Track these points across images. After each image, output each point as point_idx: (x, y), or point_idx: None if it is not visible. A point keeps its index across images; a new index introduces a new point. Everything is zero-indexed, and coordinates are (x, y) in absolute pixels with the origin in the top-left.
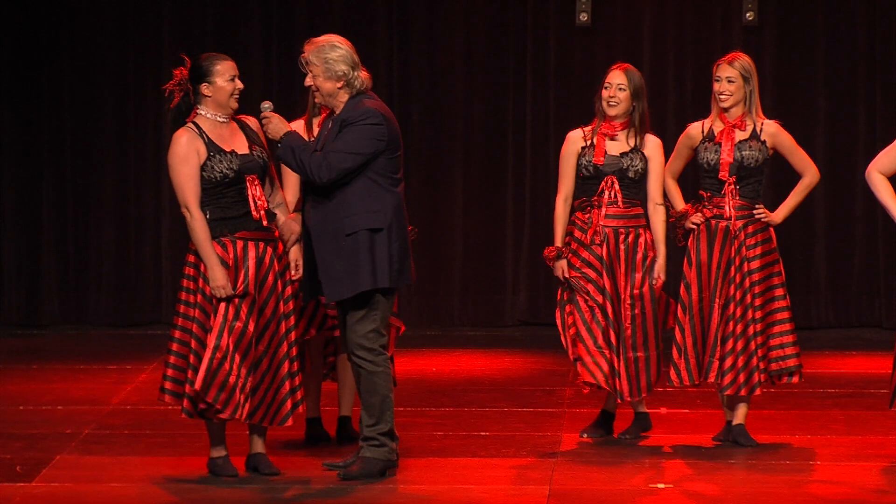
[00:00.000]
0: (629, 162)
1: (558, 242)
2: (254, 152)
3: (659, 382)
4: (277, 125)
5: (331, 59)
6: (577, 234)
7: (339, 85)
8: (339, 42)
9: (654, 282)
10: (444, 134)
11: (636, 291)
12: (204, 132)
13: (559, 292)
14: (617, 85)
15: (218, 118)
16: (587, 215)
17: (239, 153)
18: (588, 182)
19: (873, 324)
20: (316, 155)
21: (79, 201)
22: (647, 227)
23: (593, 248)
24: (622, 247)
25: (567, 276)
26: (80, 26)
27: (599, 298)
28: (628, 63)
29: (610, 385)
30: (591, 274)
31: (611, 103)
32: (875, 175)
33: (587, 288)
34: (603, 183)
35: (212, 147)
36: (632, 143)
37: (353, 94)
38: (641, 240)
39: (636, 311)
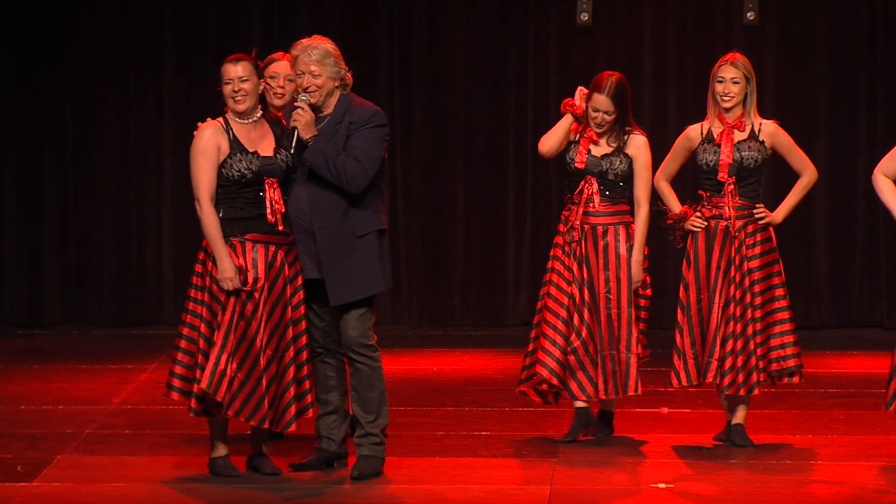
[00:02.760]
0: (609, 164)
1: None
2: (278, 155)
3: (640, 388)
4: (309, 123)
5: (333, 59)
6: (562, 228)
7: (336, 84)
8: (329, 41)
9: (632, 286)
10: (446, 134)
11: (611, 288)
12: (231, 129)
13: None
14: (603, 113)
15: (236, 118)
16: (568, 213)
17: (261, 155)
18: (573, 177)
19: (874, 324)
20: (350, 162)
21: (80, 201)
22: (629, 224)
23: (573, 247)
24: (601, 244)
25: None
26: (82, 27)
27: (564, 300)
28: (613, 71)
29: (565, 386)
30: (566, 274)
31: (598, 123)
32: (881, 178)
33: (563, 289)
34: (583, 182)
35: (235, 145)
36: (613, 144)
37: (344, 92)
38: (622, 237)
39: (612, 310)
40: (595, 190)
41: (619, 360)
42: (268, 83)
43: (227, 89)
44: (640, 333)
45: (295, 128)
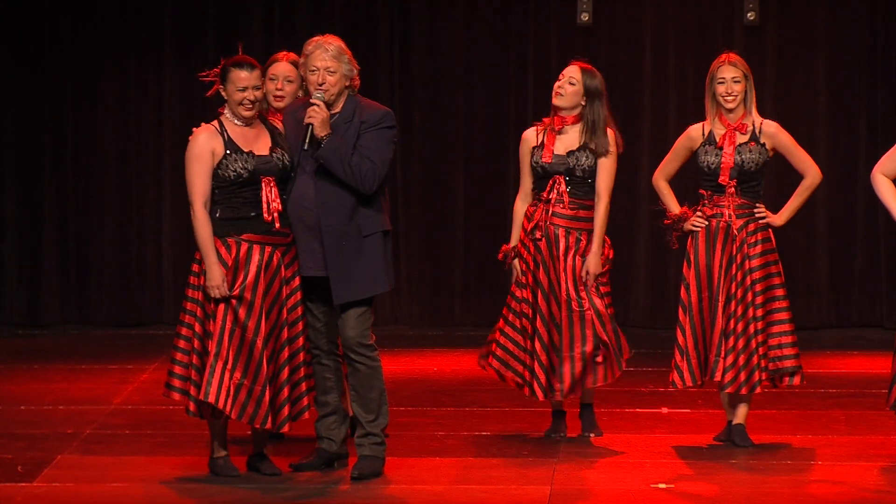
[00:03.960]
0: (575, 161)
1: (513, 241)
2: (274, 154)
3: (607, 382)
4: (325, 121)
5: (346, 58)
6: (526, 224)
7: (347, 84)
8: (342, 41)
9: (584, 276)
10: (446, 134)
11: (571, 293)
12: (226, 130)
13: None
14: (568, 78)
15: (235, 121)
16: (534, 209)
17: (257, 154)
18: (541, 180)
19: (874, 324)
20: (364, 163)
21: (80, 201)
22: (591, 232)
23: (538, 244)
24: (561, 247)
25: (518, 276)
26: (81, 27)
27: (529, 298)
28: (586, 62)
29: (530, 388)
30: (524, 267)
31: (558, 92)
32: (879, 177)
33: (521, 281)
34: (551, 181)
35: (230, 146)
36: (582, 140)
37: (351, 93)
38: (582, 244)
39: (573, 310)
40: (564, 189)
41: (577, 359)
42: (265, 85)
43: (240, 96)
44: (607, 310)
45: (309, 124)
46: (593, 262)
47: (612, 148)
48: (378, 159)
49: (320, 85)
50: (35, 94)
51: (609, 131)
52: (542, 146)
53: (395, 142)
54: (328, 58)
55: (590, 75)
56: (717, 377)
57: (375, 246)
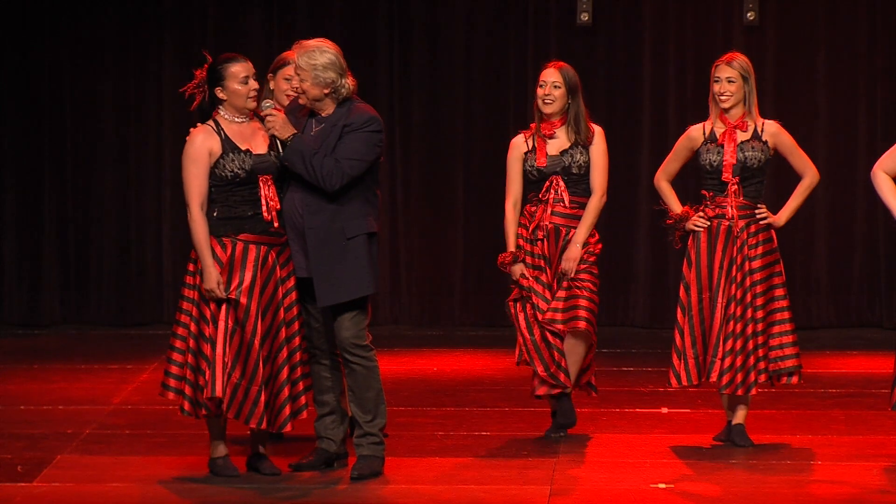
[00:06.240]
0: (570, 159)
1: (511, 247)
2: (272, 152)
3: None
4: (285, 124)
5: (319, 65)
6: (521, 228)
7: (325, 91)
8: (329, 47)
9: (564, 269)
10: (445, 133)
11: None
12: (222, 129)
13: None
14: (552, 83)
15: (235, 119)
16: (534, 208)
17: (254, 153)
18: (535, 184)
19: (874, 323)
20: (327, 160)
21: (80, 201)
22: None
23: (535, 244)
24: (561, 244)
25: (524, 277)
26: (80, 27)
27: (548, 296)
28: (558, 61)
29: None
30: (536, 273)
31: (546, 101)
32: (880, 175)
33: (535, 289)
34: (547, 182)
35: (227, 145)
36: (571, 138)
37: (339, 100)
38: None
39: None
40: (563, 188)
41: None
42: (279, 84)
43: (245, 88)
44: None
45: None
46: (572, 257)
47: (605, 146)
48: (344, 157)
49: (295, 89)
50: (35, 95)
51: (596, 128)
52: (533, 150)
53: (380, 146)
54: (298, 67)
55: (568, 73)
56: (714, 378)
57: (359, 248)
